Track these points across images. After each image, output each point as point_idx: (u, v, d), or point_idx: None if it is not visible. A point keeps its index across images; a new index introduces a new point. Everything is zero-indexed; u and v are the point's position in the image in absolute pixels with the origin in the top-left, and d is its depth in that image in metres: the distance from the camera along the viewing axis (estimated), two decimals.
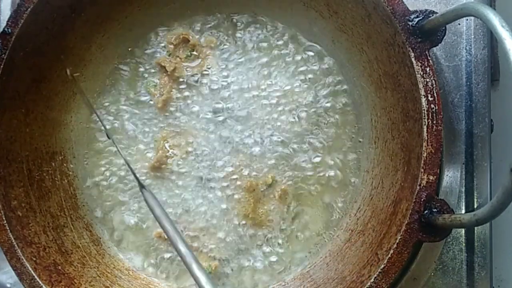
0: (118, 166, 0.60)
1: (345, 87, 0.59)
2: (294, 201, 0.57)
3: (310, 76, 0.59)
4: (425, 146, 0.43)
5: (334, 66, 0.59)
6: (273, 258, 0.57)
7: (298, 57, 0.60)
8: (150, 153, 0.60)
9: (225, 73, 0.60)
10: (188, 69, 0.60)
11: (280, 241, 0.57)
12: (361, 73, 0.56)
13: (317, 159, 0.58)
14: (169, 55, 0.61)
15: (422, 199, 0.43)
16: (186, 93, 0.60)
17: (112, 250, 0.59)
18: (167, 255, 0.58)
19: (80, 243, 0.57)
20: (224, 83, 0.60)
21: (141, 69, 0.61)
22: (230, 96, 0.59)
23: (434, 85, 0.44)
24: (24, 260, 0.49)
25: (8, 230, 0.49)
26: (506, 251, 0.62)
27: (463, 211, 0.54)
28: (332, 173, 0.58)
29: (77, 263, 0.55)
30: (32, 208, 0.53)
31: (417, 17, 0.44)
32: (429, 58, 0.44)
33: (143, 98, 0.61)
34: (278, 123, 0.58)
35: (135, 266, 0.58)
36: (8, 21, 0.50)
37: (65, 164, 0.59)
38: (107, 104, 0.61)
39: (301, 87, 0.59)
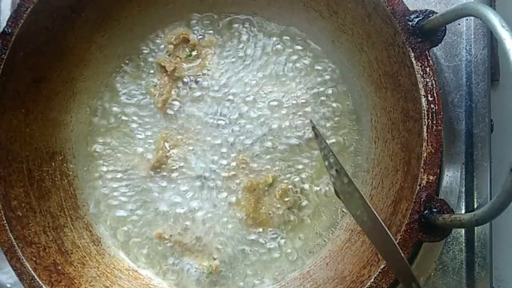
0: (118, 166, 0.60)
1: (345, 87, 0.59)
2: (294, 200, 0.57)
3: (310, 76, 0.59)
4: (425, 146, 0.43)
5: (334, 66, 0.59)
6: (273, 258, 0.57)
7: (298, 57, 0.60)
8: (150, 153, 0.60)
9: (225, 73, 0.60)
10: (188, 69, 0.60)
11: (280, 241, 0.57)
12: (361, 73, 0.56)
13: (318, 159, 0.58)
14: (169, 55, 0.61)
15: (422, 199, 0.43)
16: (186, 93, 0.60)
17: (112, 250, 0.59)
18: (166, 255, 0.58)
19: (80, 243, 0.57)
20: (224, 83, 0.60)
21: (141, 69, 0.61)
22: (230, 95, 0.59)
23: (434, 85, 0.44)
24: (24, 260, 0.49)
25: (8, 230, 0.49)
26: (506, 251, 0.62)
27: (463, 211, 0.54)
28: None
29: (77, 263, 0.55)
30: (32, 208, 0.53)
31: (417, 17, 0.44)
32: (429, 58, 0.44)
33: (143, 98, 0.61)
34: (278, 123, 0.58)
35: (135, 266, 0.58)
36: (8, 21, 0.50)
37: (65, 164, 0.59)
38: (107, 104, 0.61)
39: (301, 87, 0.59)
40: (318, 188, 0.58)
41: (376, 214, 0.40)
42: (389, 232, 0.40)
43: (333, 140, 0.58)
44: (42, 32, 0.53)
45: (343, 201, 0.45)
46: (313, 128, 0.53)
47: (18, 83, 0.53)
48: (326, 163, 0.47)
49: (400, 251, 0.39)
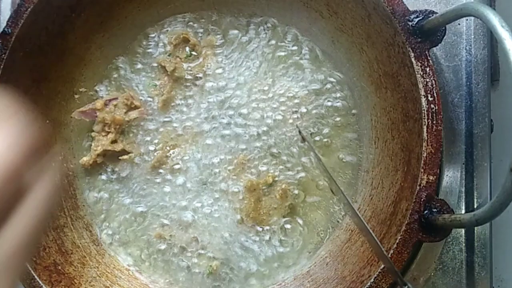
0: (118, 166, 0.60)
1: (345, 87, 0.59)
2: (294, 201, 0.57)
3: (310, 76, 0.59)
4: (425, 146, 0.43)
5: (334, 66, 0.59)
6: (273, 258, 0.57)
7: (298, 57, 0.60)
8: (150, 153, 0.59)
9: (225, 73, 0.60)
10: (188, 69, 0.60)
11: (280, 241, 0.57)
12: (361, 73, 0.56)
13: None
14: (169, 55, 0.61)
15: (422, 199, 0.43)
16: (186, 93, 0.60)
17: (112, 250, 0.59)
18: (167, 255, 0.58)
19: (80, 243, 0.57)
20: (224, 83, 0.60)
21: (141, 69, 0.61)
22: (230, 96, 0.59)
23: (434, 85, 0.44)
24: None
25: None
26: (506, 251, 0.62)
27: (463, 211, 0.54)
28: (332, 173, 0.57)
29: (77, 263, 0.55)
30: None
31: (417, 17, 0.44)
32: (429, 58, 0.44)
33: (143, 98, 0.61)
34: (278, 123, 0.58)
35: (135, 266, 0.58)
36: (8, 21, 0.50)
37: (65, 164, 0.59)
38: None
39: (301, 87, 0.59)
40: (318, 189, 0.58)
41: (361, 216, 0.43)
42: (374, 235, 0.42)
43: (333, 140, 0.58)
44: (42, 32, 0.53)
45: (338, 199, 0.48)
46: (300, 132, 0.57)
47: (18, 83, 0.53)
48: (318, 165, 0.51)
49: (381, 247, 0.42)
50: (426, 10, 0.44)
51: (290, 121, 0.58)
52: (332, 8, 0.55)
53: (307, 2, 0.57)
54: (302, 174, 0.58)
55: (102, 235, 0.59)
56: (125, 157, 0.59)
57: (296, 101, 0.59)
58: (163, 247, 0.58)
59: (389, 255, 0.43)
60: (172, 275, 0.58)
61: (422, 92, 0.44)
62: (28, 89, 0.54)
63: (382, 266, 0.44)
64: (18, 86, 0.53)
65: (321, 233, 0.57)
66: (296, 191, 0.58)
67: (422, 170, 0.43)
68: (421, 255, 0.53)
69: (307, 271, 0.56)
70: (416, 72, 0.44)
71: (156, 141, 0.60)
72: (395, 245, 0.43)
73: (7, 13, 0.60)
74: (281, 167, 0.58)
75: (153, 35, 0.61)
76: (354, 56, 0.56)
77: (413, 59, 0.44)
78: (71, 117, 0.60)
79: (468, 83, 0.55)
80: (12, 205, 0.25)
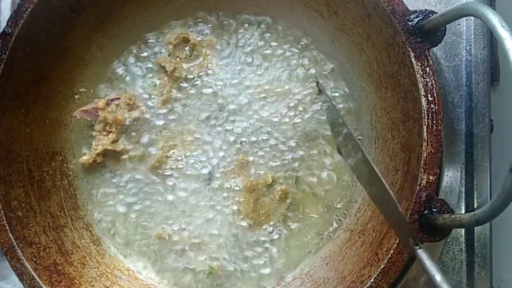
0: (118, 166, 0.60)
1: (345, 87, 0.59)
2: (294, 201, 0.57)
3: (310, 76, 0.59)
4: (425, 146, 0.43)
5: (333, 66, 0.59)
6: (274, 258, 0.57)
7: (298, 57, 0.60)
8: (149, 153, 0.60)
9: (225, 73, 0.60)
10: (188, 69, 0.60)
11: (280, 241, 0.57)
12: (361, 73, 0.56)
13: (317, 159, 0.58)
14: (169, 55, 0.61)
15: (422, 199, 0.43)
16: (186, 93, 0.60)
17: (112, 250, 0.59)
18: (166, 255, 0.58)
19: (80, 243, 0.57)
20: (224, 83, 0.60)
21: (141, 69, 0.61)
22: (230, 95, 0.59)
23: (434, 85, 0.44)
24: (24, 260, 0.49)
25: (8, 231, 0.49)
26: (506, 251, 0.62)
27: (463, 211, 0.54)
28: (332, 173, 0.58)
29: (77, 263, 0.55)
30: (32, 208, 0.53)
31: (417, 17, 0.44)
32: (429, 58, 0.44)
33: (143, 98, 0.61)
34: (278, 123, 0.58)
35: (135, 266, 0.58)
36: (8, 21, 0.50)
37: (65, 164, 0.59)
38: None
39: (301, 87, 0.59)
40: (318, 189, 0.58)
41: (379, 172, 0.40)
42: (386, 184, 0.40)
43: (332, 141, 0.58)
44: (42, 32, 0.53)
45: (349, 165, 0.46)
46: (318, 84, 0.55)
47: (18, 83, 0.53)
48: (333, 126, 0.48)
49: (399, 207, 0.40)
50: (426, 10, 0.44)
51: (290, 120, 0.58)
52: (332, 8, 0.55)
53: (307, 2, 0.57)
54: (302, 174, 0.58)
55: (102, 235, 0.59)
56: (125, 157, 0.59)
57: (295, 101, 0.59)
58: (162, 247, 0.58)
59: (389, 255, 0.43)
60: (172, 275, 0.58)
61: (422, 92, 0.44)
62: (28, 89, 0.54)
63: (382, 266, 0.44)
64: (18, 86, 0.53)
65: (321, 233, 0.57)
66: (295, 192, 0.58)
67: (422, 170, 0.43)
68: None
69: (307, 271, 0.56)
70: (416, 72, 0.44)
71: (156, 140, 0.60)
72: (395, 245, 0.43)
73: (7, 13, 0.61)
74: (280, 167, 0.58)
75: (153, 35, 0.61)
76: (354, 56, 0.56)
77: (413, 59, 0.44)
78: (71, 117, 0.60)
79: (468, 83, 0.55)
80: None
